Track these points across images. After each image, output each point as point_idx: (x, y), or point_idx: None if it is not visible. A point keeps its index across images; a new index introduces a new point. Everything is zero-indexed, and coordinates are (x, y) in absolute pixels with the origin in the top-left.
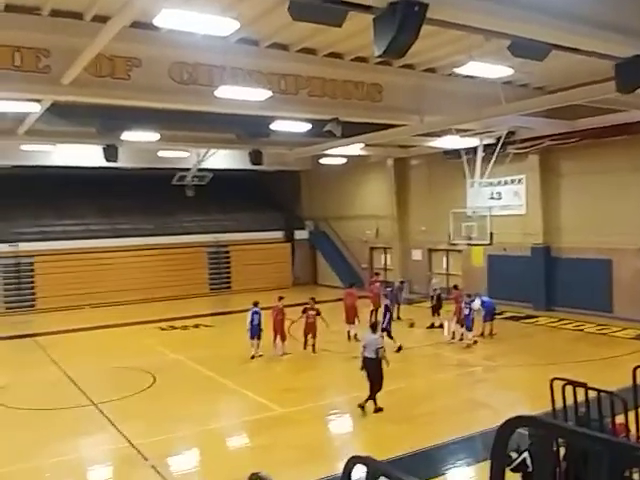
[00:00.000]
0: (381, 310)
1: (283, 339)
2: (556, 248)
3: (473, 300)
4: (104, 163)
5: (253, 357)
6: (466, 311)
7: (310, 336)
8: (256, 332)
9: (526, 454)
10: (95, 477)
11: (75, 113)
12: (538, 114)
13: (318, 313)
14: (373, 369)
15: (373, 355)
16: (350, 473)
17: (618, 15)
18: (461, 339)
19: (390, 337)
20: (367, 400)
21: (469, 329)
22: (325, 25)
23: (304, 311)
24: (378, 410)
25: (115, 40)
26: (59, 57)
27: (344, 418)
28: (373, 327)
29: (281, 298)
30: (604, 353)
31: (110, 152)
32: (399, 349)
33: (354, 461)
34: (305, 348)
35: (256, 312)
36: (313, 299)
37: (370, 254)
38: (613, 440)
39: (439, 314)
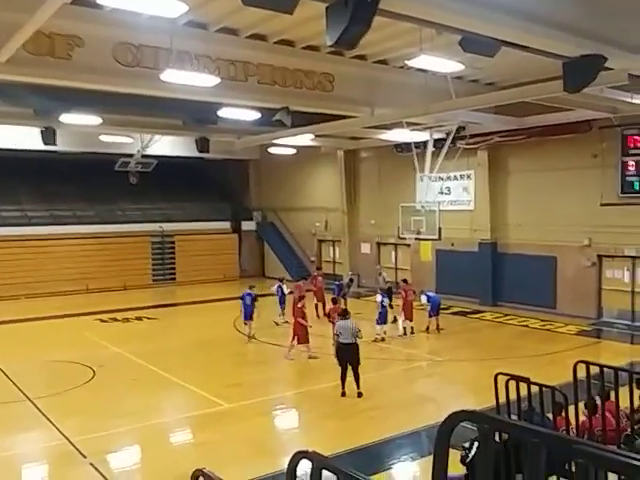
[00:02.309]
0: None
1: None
2: (503, 244)
3: (385, 295)
4: (42, 146)
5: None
6: (380, 308)
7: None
8: (249, 313)
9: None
10: (30, 476)
11: (11, 93)
12: (488, 110)
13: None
14: (352, 353)
15: (351, 340)
16: (295, 468)
17: (567, 15)
18: (412, 332)
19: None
20: (358, 385)
21: (378, 323)
22: (276, 11)
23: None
24: (360, 394)
25: (55, 17)
26: None
27: (291, 413)
28: (344, 314)
29: (302, 298)
30: (547, 349)
31: (48, 135)
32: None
33: (299, 456)
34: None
35: (249, 294)
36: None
37: (319, 247)
38: (550, 433)
39: (391, 307)
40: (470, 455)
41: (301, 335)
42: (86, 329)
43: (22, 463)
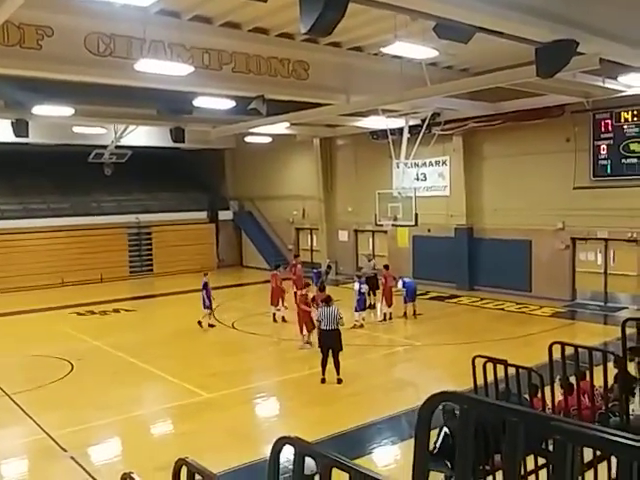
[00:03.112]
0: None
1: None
2: (479, 229)
3: (362, 282)
4: (14, 138)
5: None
6: (357, 295)
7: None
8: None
9: (444, 430)
10: (10, 472)
11: None
12: (462, 96)
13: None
14: (334, 339)
15: (334, 326)
16: (278, 454)
17: (539, 0)
18: (390, 318)
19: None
20: (338, 372)
21: (357, 310)
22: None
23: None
24: (340, 381)
25: (24, 7)
26: None
27: (271, 402)
28: (327, 300)
29: (307, 285)
30: (523, 331)
31: (20, 127)
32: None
33: (282, 442)
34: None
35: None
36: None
37: (296, 235)
38: (528, 411)
39: (375, 294)
40: (437, 445)
41: (307, 322)
42: (63, 323)
43: (1, 459)
